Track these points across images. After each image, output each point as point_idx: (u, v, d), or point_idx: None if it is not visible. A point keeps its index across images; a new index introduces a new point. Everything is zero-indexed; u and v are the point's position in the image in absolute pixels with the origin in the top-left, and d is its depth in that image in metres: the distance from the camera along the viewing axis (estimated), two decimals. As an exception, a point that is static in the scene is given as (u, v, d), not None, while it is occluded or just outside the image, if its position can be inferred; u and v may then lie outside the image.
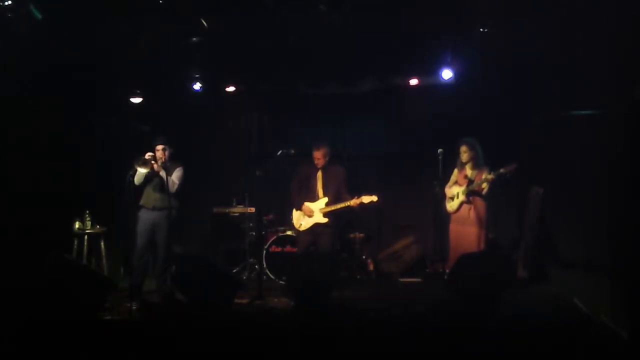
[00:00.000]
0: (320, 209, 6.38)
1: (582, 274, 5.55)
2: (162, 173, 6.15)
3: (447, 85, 7.44)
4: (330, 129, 8.33)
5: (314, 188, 6.47)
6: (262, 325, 4.73)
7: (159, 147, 6.31)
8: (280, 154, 6.33)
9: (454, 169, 6.44)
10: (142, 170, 6.11)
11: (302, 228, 6.47)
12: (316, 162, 6.43)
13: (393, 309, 5.43)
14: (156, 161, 6.16)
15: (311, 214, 6.39)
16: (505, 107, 7.18)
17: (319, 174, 6.48)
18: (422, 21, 6.24)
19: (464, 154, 6.28)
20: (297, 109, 8.28)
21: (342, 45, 6.67)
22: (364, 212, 7.69)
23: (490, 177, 6.03)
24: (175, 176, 6.33)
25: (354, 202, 6.22)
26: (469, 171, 6.29)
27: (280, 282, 6.90)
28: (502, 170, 5.96)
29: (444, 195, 6.43)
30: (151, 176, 6.22)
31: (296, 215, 6.56)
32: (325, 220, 6.36)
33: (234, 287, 5.67)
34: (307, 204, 6.44)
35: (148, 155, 6.11)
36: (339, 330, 4.36)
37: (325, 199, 6.40)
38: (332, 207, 6.34)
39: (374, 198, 6.18)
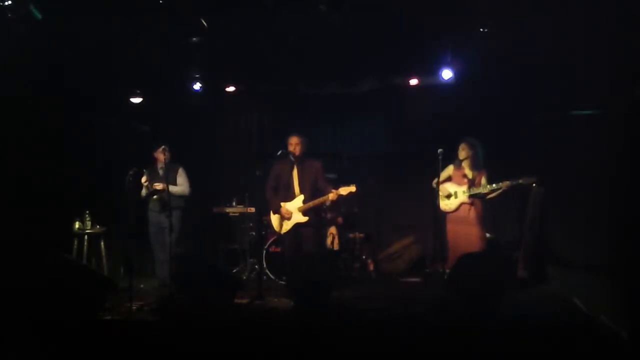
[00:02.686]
0: (299, 208, 6.17)
1: (582, 274, 5.56)
2: (160, 186, 6.28)
3: (447, 85, 7.44)
4: (330, 129, 8.33)
5: (290, 185, 6.23)
6: (262, 325, 4.72)
7: (159, 149, 6.40)
8: (280, 154, 6.29)
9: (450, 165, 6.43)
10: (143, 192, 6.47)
11: (284, 230, 6.26)
12: (292, 148, 6.13)
13: (393, 309, 5.43)
14: (150, 183, 6.40)
15: (289, 216, 6.18)
16: (505, 107, 7.19)
17: (294, 171, 6.22)
18: (422, 21, 6.23)
19: (462, 151, 6.28)
20: (297, 109, 8.27)
21: (342, 45, 6.66)
22: (364, 211, 7.75)
23: (504, 186, 6.01)
24: (182, 179, 6.49)
25: (332, 195, 5.99)
26: (467, 171, 6.30)
27: (280, 282, 6.89)
28: (521, 181, 5.96)
29: (435, 191, 6.43)
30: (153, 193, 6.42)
31: (275, 218, 6.34)
32: (305, 218, 6.14)
33: (234, 287, 5.66)
34: (283, 205, 6.21)
35: (143, 181, 6.38)
36: (339, 330, 4.35)
37: (302, 196, 6.17)
38: (310, 204, 6.13)
39: (352, 189, 5.97)
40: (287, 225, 6.24)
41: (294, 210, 6.20)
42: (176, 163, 6.56)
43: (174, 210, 6.17)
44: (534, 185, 5.96)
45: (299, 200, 6.21)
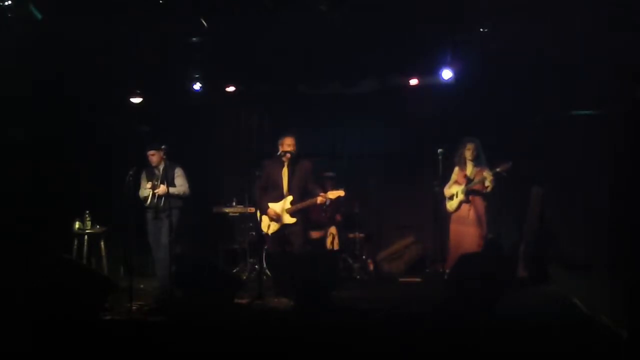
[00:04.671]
0: (287, 209, 6.10)
1: (582, 274, 5.56)
2: (161, 190, 6.29)
3: (447, 85, 7.43)
4: (331, 129, 8.33)
5: (279, 186, 6.17)
6: (262, 325, 4.73)
7: (149, 152, 6.38)
8: (280, 154, 6.29)
9: (454, 168, 6.44)
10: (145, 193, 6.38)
11: (272, 231, 6.20)
12: (290, 148, 6.09)
13: (393, 309, 5.43)
14: (156, 187, 6.32)
15: (277, 217, 6.12)
16: (505, 107, 7.18)
17: (284, 170, 6.17)
18: (422, 21, 6.23)
19: (472, 151, 6.27)
20: (297, 109, 8.27)
21: (342, 45, 6.66)
22: (364, 211, 7.75)
23: (490, 176, 6.06)
24: (181, 180, 6.45)
25: (320, 199, 5.96)
26: (469, 170, 6.31)
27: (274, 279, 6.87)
28: (498, 170, 6.00)
29: (443, 195, 6.44)
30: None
31: (264, 219, 6.26)
32: (293, 220, 6.08)
33: (234, 287, 5.66)
34: (271, 206, 6.14)
35: (147, 188, 6.33)
36: (339, 330, 4.35)
37: (290, 197, 6.11)
38: (299, 206, 6.07)
39: (341, 193, 5.97)
40: (275, 226, 6.18)
41: (282, 211, 6.12)
42: (174, 163, 6.53)
43: (174, 210, 6.16)
44: (506, 168, 5.96)
45: (287, 202, 6.14)
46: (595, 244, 5.37)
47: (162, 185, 6.31)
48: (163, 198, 6.30)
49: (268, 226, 6.24)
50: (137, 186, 6.41)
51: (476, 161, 6.29)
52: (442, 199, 6.43)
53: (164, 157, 6.30)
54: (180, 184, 6.44)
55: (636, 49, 4.61)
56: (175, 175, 6.45)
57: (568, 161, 6.20)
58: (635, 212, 4.43)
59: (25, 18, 5.66)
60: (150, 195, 6.33)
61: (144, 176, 6.47)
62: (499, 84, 7.18)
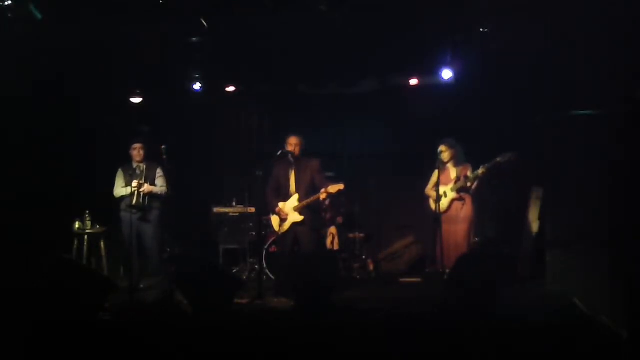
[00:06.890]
0: (294, 207, 6.23)
1: (582, 274, 5.55)
2: (151, 188, 6.30)
3: (447, 85, 7.43)
4: (331, 129, 8.33)
5: (287, 185, 6.32)
6: (262, 325, 4.73)
7: (136, 145, 6.40)
8: (280, 154, 6.30)
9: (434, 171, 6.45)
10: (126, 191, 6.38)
11: (282, 231, 6.33)
12: (292, 148, 6.22)
13: (393, 309, 5.43)
14: (141, 186, 6.31)
15: (286, 216, 6.26)
16: (506, 107, 7.18)
17: (292, 171, 6.31)
18: (422, 21, 6.24)
19: (444, 153, 6.31)
20: (297, 109, 8.27)
21: (342, 45, 6.67)
22: (364, 211, 7.75)
23: (481, 170, 6.06)
24: (162, 181, 6.50)
25: (322, 194, 6.06)
26: (452, 170, 6.33)
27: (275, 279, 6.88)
28: (498, 159, 5.99)
29: (427, 197, 6.46)
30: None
31: (274, 219, 6.44)
32: (301, 218, 6.19)
33: (234, 287, 5.67)
34: (280, 205, 6.30)
35: (134, 187, 6.32)
36: (339, 330, 4.35)
37: (297, 196, 6.23)
38: (304, 203, 6.19)
39: (341, 186, 6.01)
40: (285, 226, 6.28)
41: (290, 210, 6.25)
42: (154, 163, 6.55)
43: (154, 211, 6.20)
44: (508, 159, 5.98)
45: (294, 200, 6.24)
46: (595, 244, 5.36)
47: (146, 184, 6.34)
48: (147, 197, 6.35)
49: (280, 226, 6.35)
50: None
51: (455, 161, 6.32)
52: (425, 199, 6.44)
53: (143, 154, 6.37)
54: (162, 184, 6.51)
55: (636, 49, 4.61)
56: (157, 175, 6.52)
57: (568, 161, 6.19)
58: (635, 212, 4.43)
59: (25, 18, 5.66)
60: (136, 194, 6.34)
61: (120, 174, 6.49)
62: (499, 84, 7.18)
